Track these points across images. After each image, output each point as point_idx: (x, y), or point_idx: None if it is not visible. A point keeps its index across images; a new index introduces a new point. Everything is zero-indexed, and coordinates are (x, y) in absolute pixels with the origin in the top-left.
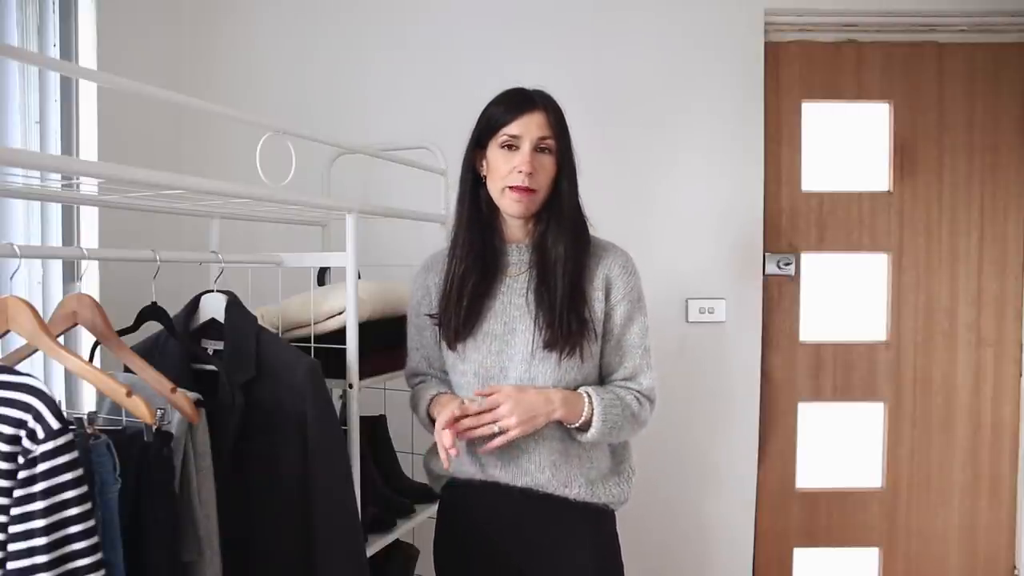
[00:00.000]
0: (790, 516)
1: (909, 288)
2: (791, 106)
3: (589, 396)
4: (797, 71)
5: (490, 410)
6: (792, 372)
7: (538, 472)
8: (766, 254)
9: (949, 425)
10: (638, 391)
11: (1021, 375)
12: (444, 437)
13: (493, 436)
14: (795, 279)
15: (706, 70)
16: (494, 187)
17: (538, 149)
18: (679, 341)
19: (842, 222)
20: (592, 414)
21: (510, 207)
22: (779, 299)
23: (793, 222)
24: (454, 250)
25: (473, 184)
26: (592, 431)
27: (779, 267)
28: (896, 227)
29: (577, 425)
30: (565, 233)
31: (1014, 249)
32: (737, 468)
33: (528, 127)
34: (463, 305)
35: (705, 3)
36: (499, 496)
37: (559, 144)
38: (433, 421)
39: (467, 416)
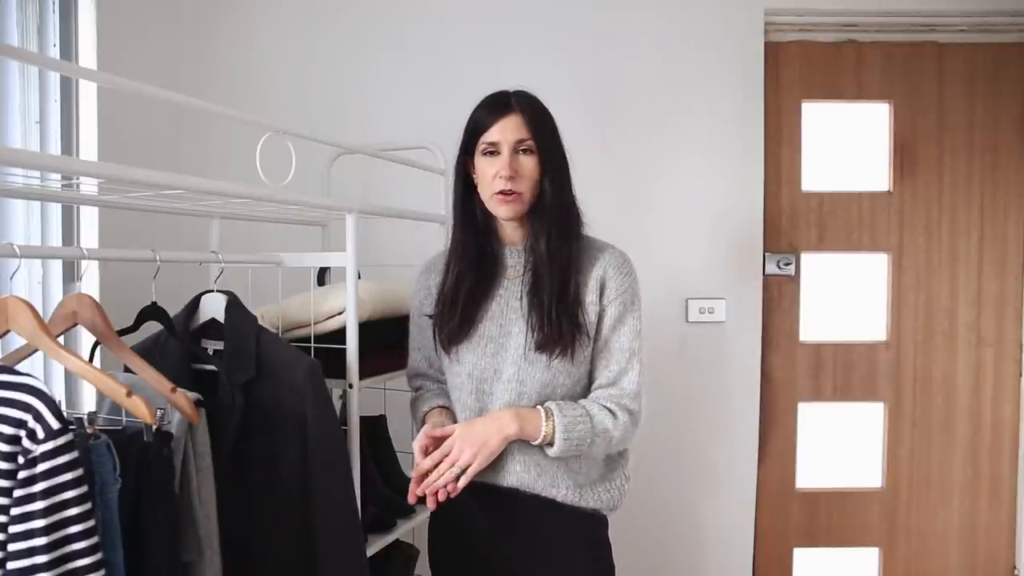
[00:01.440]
0: (790, 516)
1: (909, 288)
2: (791, 106)
3: (549, 411)
4: (797, 71)
5: (446, 456)
6: (792, 372)
7: (524, 472)
8: (766, 254)
9: (949, 425)
10: (616, 403)
11: (1021, 375)
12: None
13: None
14: (795, 279)
15: (706, 70)
16: (484, 194)
17: (518, 151)
18: (679, 341)
19: (842, 222)
20: (553, 430)
21: (498, 210)
22: (779, 299)
23: (793, 222)
24: (451, 255)
25: (464, 190)
26: (555, 448)
27: (779, 267)
28: (896, 227)
29: (538, 442)
30: (550, 231)
31: (1014, 249)
32: (737, 468)
33: (504, 131)
34: (457, 311)
35: (705, 3)
36: (488, 496)
37: (539, 144)
38: None
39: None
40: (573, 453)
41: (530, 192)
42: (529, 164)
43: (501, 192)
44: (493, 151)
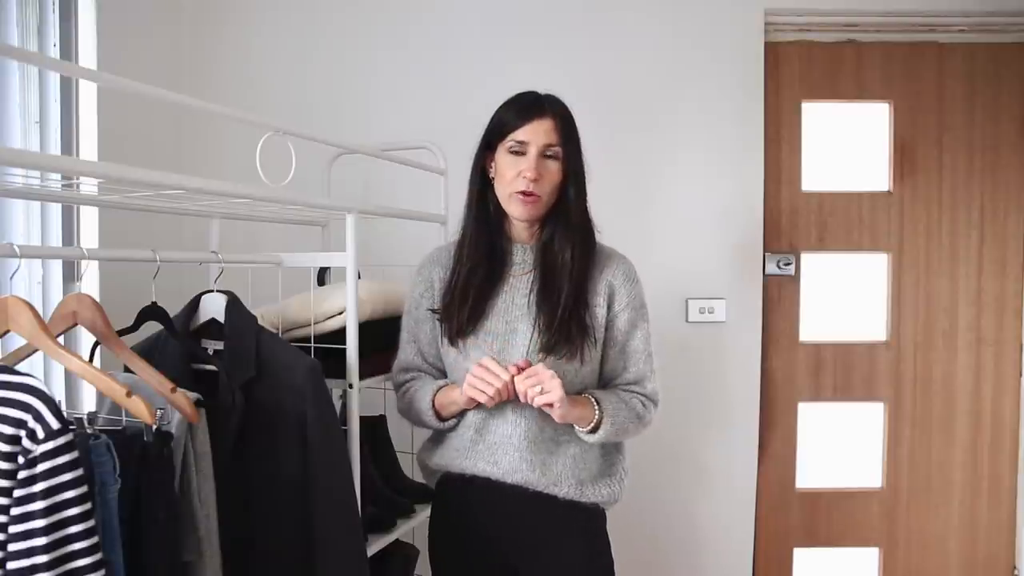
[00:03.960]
0: (790, 516)
1: (909, 288)
2: (791, 106)
3: (596, 399)
4: (797, 71)
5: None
6: (792, 372)
7: (529, 470)
8: (766, 254)
9: (949, 425)
10: (643, 395)
11: (1021, 375)
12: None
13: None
14: (795, 279)
15: (706, 70)
16: (501, 191)
17: (545, 155)
18: (679, 341)
19: (842, 222)
20: (601, 417)
21: (515, 210)
22: (779, 299)
23: (793, 222)
24: (461, 248)
25: (482, 185)
26: (601, 432)
27: (779, 267)
28: (896, 227)
29: (588, 428)
30: (572, 239)
31: (1014, 249)
32: (737, 468)
33: (536, 134)
34: (468, 304)
35: (705, 3)
36: (490, 492)
37: (566, 151)
38: (439, 416)
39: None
40: (610, 440)
41: (549, 196)
42: (553, 169)
43: (523, 192)
44: (520, 151)
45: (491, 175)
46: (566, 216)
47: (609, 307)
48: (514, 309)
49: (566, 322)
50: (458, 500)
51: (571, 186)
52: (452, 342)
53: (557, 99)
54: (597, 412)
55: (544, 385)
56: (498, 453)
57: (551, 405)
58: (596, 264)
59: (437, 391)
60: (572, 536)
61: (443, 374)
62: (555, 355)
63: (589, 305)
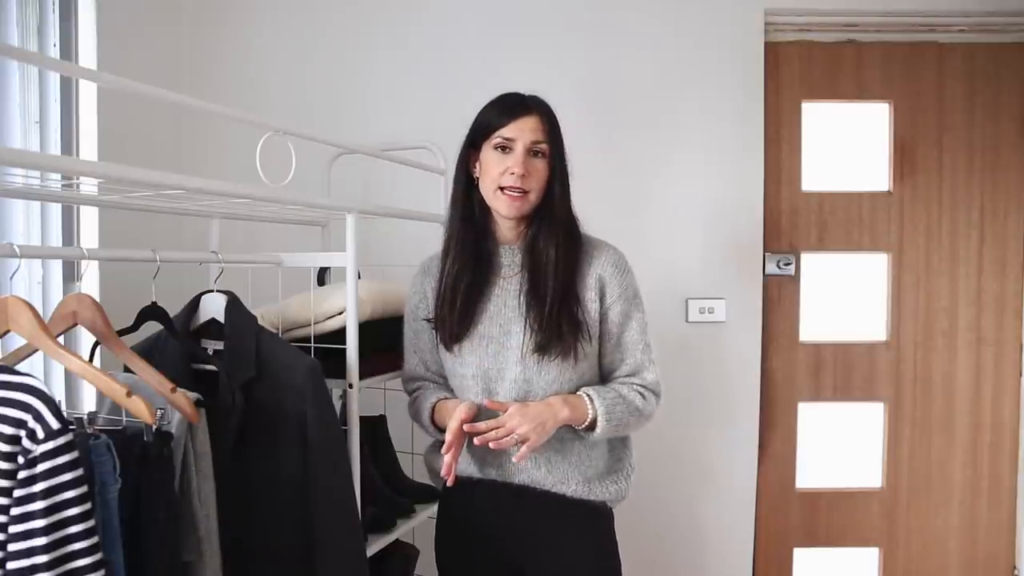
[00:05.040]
0: (790, 516)
1: (909, 288)
2: (791, 106)
3: (590, 397)
4: (797, 71)
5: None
6: (792, 372)
7: (534, 469)
8: (766, 254)
9: (949, 425)
10: (642, 386)
11: (1021, 375)
12: (446, 458)
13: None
14: (795, 279)
15: (706, 70)
16: (487, 188)
17: (531, 153)
18: (679, 341)
19: (842, 222)
20: (596, 414)
21: (502, 208)
22: (779, 299)
23: (793, 222)
24: (447, 251)
25: (466, 185)
26: (598, 430)
27: (779, 267)
28: (896, 227)
29: (584, 426)
30: (556, 236)
31: (1014, 249)
32: (737, 468)
33: (522, 130)
34: (457, 306)
35: (705, 3)
36: (497, 493)
37: (552, 149)
38: (439, 429)
39: (479, 422)
40: (611, 436)
41: (536, 194)
42: (540, 166)
43: (511, 188)
44: (506, 146)
45: (475, 175)
46: (550, 215)
47: (601, 300)
48: (506, 311)
49: (556, 319)
50: (464, 502)
51: (556, 183)
52: (447, 347)
53: (541, 99)
54: (591, 410)
55: (518, 431)
56: (504, 454)
57: (525, 441)
58: (584, 257)
59: (434, 407)
60: (579, 535)
61: (447, 381)
62: (549, 354)
63: (580, 299)
